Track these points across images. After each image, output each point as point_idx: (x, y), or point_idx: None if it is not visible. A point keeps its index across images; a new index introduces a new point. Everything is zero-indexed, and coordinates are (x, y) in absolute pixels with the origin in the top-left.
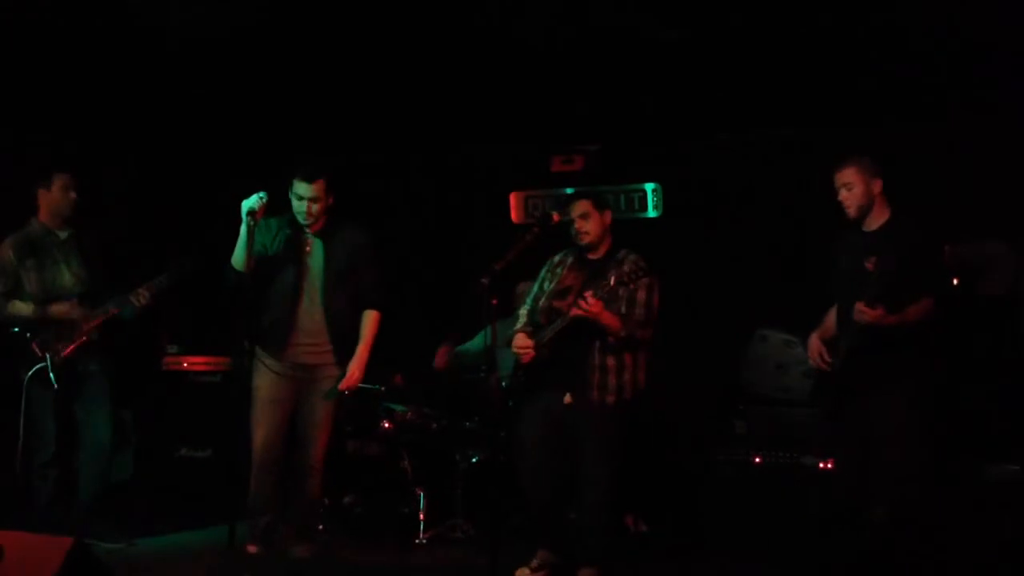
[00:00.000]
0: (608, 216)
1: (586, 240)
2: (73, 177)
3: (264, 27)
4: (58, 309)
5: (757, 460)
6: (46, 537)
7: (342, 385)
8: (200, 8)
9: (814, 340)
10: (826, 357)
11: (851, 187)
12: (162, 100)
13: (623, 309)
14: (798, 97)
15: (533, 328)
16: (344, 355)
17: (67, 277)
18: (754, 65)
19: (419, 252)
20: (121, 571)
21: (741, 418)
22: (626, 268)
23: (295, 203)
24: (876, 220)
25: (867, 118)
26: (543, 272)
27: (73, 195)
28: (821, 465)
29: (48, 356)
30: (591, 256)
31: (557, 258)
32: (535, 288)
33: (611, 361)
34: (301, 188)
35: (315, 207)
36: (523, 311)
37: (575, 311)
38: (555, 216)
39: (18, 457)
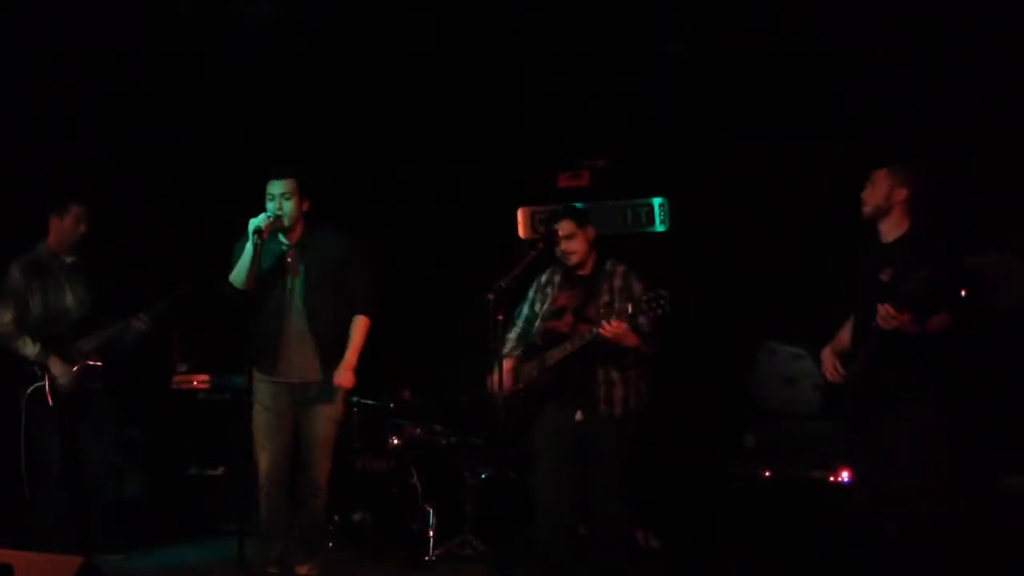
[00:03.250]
0: (591, 231)
1: (573, 260)
2: (88, 210)
3: (269, 44)
4: (55, 366)
5: (767, 474)
6: (55, 556)
7: (336, 383)
8: (212, 25)
9: (828, 353)
10: (839, 369)
11: (873, 185)
12: (169, 119)
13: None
14: (809, 108)
15: (526, 349)
16: (332, 362)
17: (69, 300)
18: (761, 77)
19: (426, 267)
20: None
21: (751, 432)
22: (644, 297)
23: (268, 205)
24: (894, 231)
25: (875, 130)
26: (531, 293)
27: (83, 228)
28: (831, 479)
29: (47, 376)
30: (579, 272)
31: (544, 277)
32: (525, 309)
33: (615, 374)
34: (273, 186)
35: (287, 204)
36: (513, 334)
37: (604, 331)
38: (560, 232)
39: (22, 475)
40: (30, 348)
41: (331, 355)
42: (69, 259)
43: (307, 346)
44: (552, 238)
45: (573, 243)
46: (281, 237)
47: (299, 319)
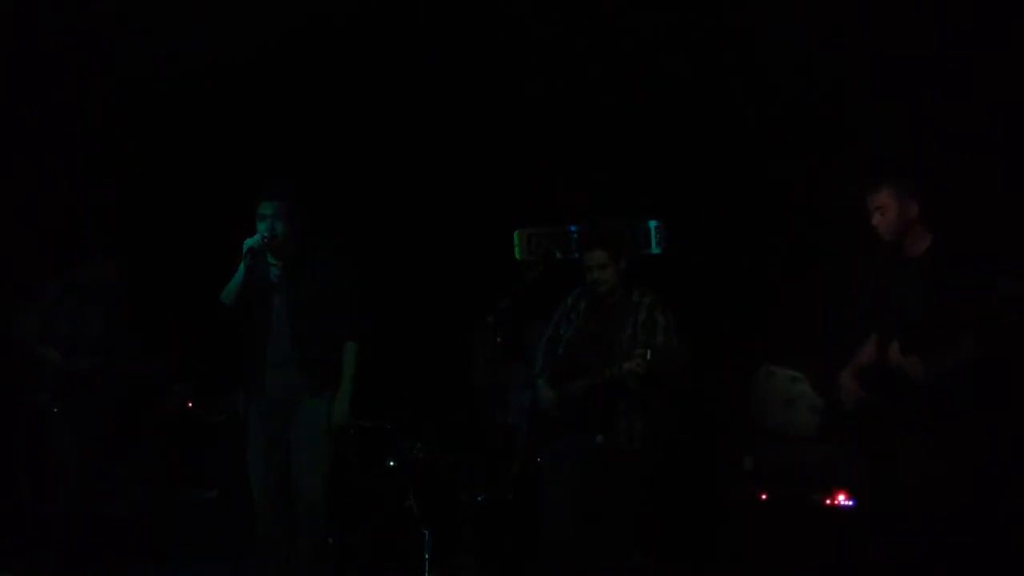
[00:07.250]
0: (624, 262)
1: (603, 290)
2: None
3: (269, 64)
4: (81, 365)
5: (764, 496)
6: None
7: (333, 422)
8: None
9: (848, 377)
10: (862, 393)
11: (884, 211)
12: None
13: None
14: (808, 126)
15: (552, 374)
16: (317, 384)
17: (95, 328)
18: (758, 95)
19: (423, 289)
20: None
21: (749, 454)
22: (665, 355)
23: (259, 225)
24: (916, 246)
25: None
26: (557, 315)
27: (112, 274)
28: (829, 501)
29: (58, 390)
30: (607, 301)
31: (571, 301)
32: (549, 331)
33: (639, 407)
34: (264, 207)
35: (278, 224)
36: (541, 353)
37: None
38: (557, 254)
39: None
40: (53, 356)
41: (317, 374)
42: (105, 286)
43: (292, 365)
44: (549, 258)
45: (605, 273)
46: (270, 258)
47: (285, 338)
